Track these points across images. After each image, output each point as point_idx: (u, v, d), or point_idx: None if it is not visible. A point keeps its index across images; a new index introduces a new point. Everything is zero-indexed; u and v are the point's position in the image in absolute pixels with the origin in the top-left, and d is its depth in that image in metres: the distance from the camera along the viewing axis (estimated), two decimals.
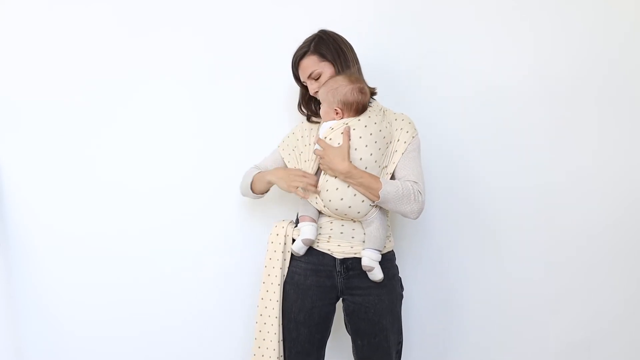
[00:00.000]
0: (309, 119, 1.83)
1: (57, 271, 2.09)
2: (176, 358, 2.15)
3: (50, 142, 2.06)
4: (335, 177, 1.65)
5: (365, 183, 1.62)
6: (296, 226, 1.77)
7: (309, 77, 1.72)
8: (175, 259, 2.11)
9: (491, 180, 2.14)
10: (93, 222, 2.09)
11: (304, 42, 1.75)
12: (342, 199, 1.64)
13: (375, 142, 1.66)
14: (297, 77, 1.79)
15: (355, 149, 1.64)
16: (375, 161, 1.66)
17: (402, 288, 1.80)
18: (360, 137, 1.65)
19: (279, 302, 1.71)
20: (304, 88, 1.80)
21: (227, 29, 2.07)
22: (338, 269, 1.71)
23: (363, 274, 1.70)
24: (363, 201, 1.65)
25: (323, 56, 1.71)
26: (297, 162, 1.78)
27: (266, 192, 1.86)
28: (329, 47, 1.72)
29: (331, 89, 1.68)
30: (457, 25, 2.10)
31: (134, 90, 2.07)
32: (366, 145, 1.65)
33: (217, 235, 2.12)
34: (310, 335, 1.72)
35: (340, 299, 1.75)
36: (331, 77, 1.70)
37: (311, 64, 1.72)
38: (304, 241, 1.69)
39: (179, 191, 2.10)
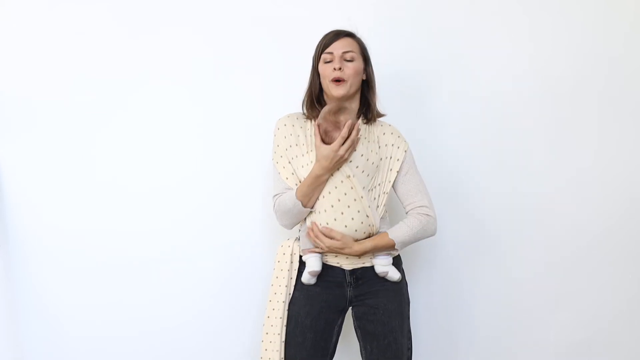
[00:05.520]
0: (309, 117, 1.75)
1: (57, 271, 2.08)
2: (176, 359, 2.15)
3: (51, 142, 2.06)
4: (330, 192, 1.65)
5: (379, 247, 1.67)
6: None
7: (344, 53, 1.65)
8: (175, 260, 2.11)
9: (492, 181, 2.14)
10: (93, 223, 2.08)
11: (343, 28, 1.71)
12: (335, 220, 1.65)
13: (363, 171, 1.67)
14: (323, 50, 1.67)
15: (341, 182, 1.64)
16: (364, 187, 1.66)
17: (407, 292, 1.79)
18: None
19: (282, 320, 1.70)
20: (317, 76, 1.71)
21: (227, 28, 2.07)
22: (348, 279, 1.71)
23: (371, 280, 1.71)
24: (353, 219, 1.65)
25: (362, 50, 1.71)
26: (293, 160, 1.70)
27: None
28: (366, 48, 1.73)
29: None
30: (455, 25, 2.10)
31: (134, 90, 2.07)
32: (348, 176, 1.65)
33: (219, 236, 2.11)
34: (315, 341, 1.70)
35: (350, 307, 1.75)
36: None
37: (352, 45, 1.68)
38: (311, 273, 1.69)
39: (180, 192, 2.10)
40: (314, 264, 1.69)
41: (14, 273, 2.08)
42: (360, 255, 1.67)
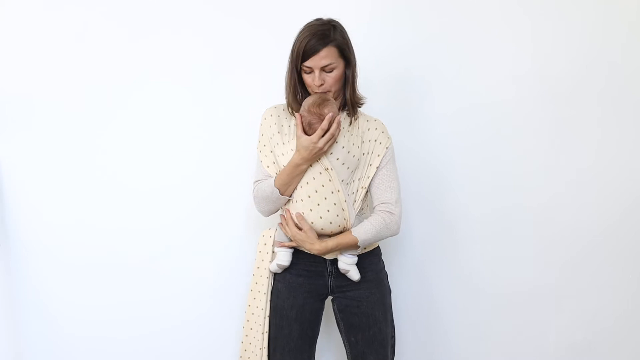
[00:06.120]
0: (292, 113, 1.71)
1: (57, 272, 2.09)
2: (176, 358, 2.15)
3: (51, 142, 2.06)
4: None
5: (342, 245, 1.66)
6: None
7: (324, 67, 1.61)
8: (175, 260, 2.11)
9: (491, 181, 2.14)
10: (93, 222, 2.09)
11: (319, 28, 1.62)
12: (311, 210, 1.66)
13: (343, 164, 1.67)
14: (302, 61, 1.63)
15: (320, 173, 1.66)
16: (342, 180, 1.67)
17: (388, 282, 1.82)
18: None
19: (264, 311, 1.73)
20: (298, 75, 1.68)
21: (226, 29, 2.07)
22: (329, 269, 1.73)
23: None
24: (331, 223, 1.66)
25: (342, 52, 1.63)
26: (275, 148, 1.71)
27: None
28: (346, 43, 1.65)
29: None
30: (455, 25, 2.10)
31: (134, 90, 2.07)
32: (328, 169, 1.65)
33: (219, 236, 2.12)
34: (302, 332, 1.73)
35: (331, 298, 1.77)
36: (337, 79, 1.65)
37: (330, 55, 1.61)
38: (279, 266, 1.72)
39: (179, 192, 2.10)
40: (283, 258, 1.72)
41: (14, 272, 2.09)
42: (322, 254, 1.67)
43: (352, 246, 1.67)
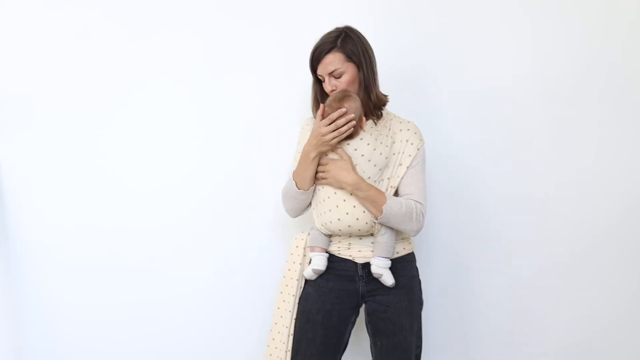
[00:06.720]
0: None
1: (57, 272, 2.08)
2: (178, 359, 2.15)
3: (51, 142, 2.06)
4: (341, 189, 1.65)
5: (371, 196, 1.63)
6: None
7: (330, 74, 1.66)
8: (175, 260, 2.11)
9: (491, 181, 2.14)
10: (93, 222, 2.08)
11: (329, 36, 1.68)
12: (339, 219, 1.67)
13: (369, 160, 1.67)
14: (314, 70, 1.71)
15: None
16: (369, 177, 1.67)
17: (420, 291, 1.80)
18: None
19: (291, 313, 1.74)
20: (319, 83, 1.74)
21: (226, 29, 2.07)
22: (360, 273, 1.72)
23: None
24: (358, 219, 1.66)
25: (349, 56, 1.66)
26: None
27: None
28: (356, 47, 1.66)
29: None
30: (455, 25, 2.10)
31: (134, 89, 2.07)
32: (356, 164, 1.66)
33: (218, 236, 2.12)
34: (326, 338, 1.71)
35: (363, 303, 1.76)
36: (351, 81, 1.67)
37: (336, 61, 1.65)
38: (315, 271, 1.72)
39: (179, 192, 2.10)
40: (319, 263, 1.71)
41: (14, 272, 2.08)
42: (355, 186, 1.62)
43: (377, 204, 1.62)
